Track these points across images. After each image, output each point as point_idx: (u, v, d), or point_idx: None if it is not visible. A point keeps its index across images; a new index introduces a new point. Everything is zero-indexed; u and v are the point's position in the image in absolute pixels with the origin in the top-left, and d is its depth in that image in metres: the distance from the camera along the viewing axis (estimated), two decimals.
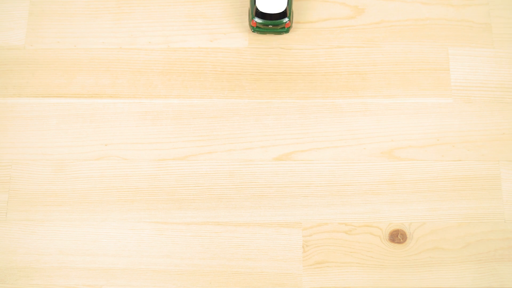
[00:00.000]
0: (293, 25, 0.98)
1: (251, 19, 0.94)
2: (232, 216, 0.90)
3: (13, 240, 0.89)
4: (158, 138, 0.93)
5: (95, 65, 0.96)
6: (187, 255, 0.88)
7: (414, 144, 0.92)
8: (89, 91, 0.95)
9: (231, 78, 0.95)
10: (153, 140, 0.93)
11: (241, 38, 0.97)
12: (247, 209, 0.90)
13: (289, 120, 0.93)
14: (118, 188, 0.91)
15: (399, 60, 0.96)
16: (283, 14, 0.93)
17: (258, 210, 0.90)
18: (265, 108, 0.94)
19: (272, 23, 0.93)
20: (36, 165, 0.92)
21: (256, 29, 0.95)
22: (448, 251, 0.88)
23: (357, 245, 0.88)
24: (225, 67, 0.96)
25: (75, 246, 0.89)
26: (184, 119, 0.93)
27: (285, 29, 0.95)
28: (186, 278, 0.87)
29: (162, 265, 0.88)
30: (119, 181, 0.91)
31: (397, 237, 0.89)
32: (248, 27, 0.97)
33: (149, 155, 0.92)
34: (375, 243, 0.89)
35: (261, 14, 0.93)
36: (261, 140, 0.92)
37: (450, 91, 0.94)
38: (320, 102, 0.94)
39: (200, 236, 0.89)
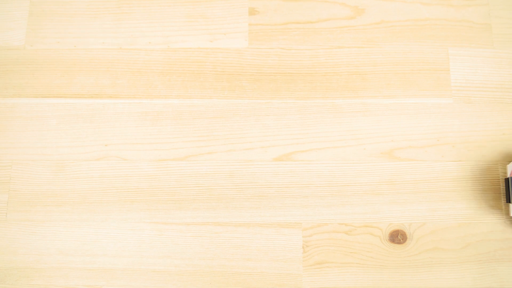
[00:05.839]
0: (293, 25, 0.98)
1: None
2: (232, 216, 0.89)
3: (13, 240, 0.89)
4: (158, 138, 0.93)
5: (95, 65, 0.96)
6: (187, 255, 0.88)
7: (414, 144, 0.92)
8: (89, 91, 0.95)
9: (231, 78, 0.95)
10: (153, 140, 0.93)
11: (241, 38, 0.97)
12: (247, 209, 0.90)
13: (289, 120, 0.93)
14: (118, 188, 0.91)
15: (399, 60, 0.96)
16: None
17: (258, 210, 0.90)
18: (265, 108, 0.94)
19: None
20: (36, 165, 0.92)
21: None
22: (448, 251, 0.88)
23: (357, 246, 0.88)
24: (225, 67, 0.95)
25: (75, 247, 0.89)
26: (184, 120, 0.93)
27: None
28: (186, 279, 0.87)
29: (162, 266, 0.88)
30: (119, 182, 0.91)
31: (397, 237, 0.89)
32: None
33: (149, 156, 0.92)
34: (375, 243, 0.89)
35: None
36: (261, 141, 0.92)
37: (450, 91, 0.94)
38: (320, 102, 0.94)
39: (200, 237, 0.89)
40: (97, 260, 0.88)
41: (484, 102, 0.94)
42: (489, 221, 0.89)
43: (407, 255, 0.88)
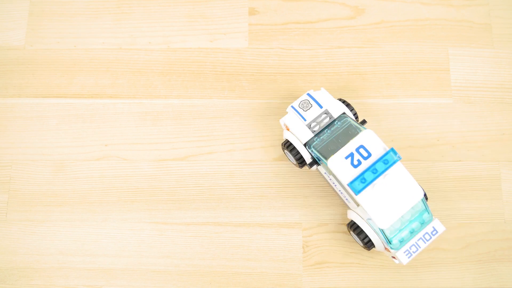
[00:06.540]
0: (293, 25, 0.98)
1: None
2: (232, 216, 0.89)
3: (13, 240, 0.89)
4: (158, 138, 0.93)
5: (95, 65, 0.96)
6: (187, 255, 0.88)
7: (414, 144, 0.92)
8: (89, 91, 0.95)
9: (231, 78, 0.95)
10: (153, 140, 0.93)
11: (241, 38, 0.97)
12: (247, 209, 0.90)
13: None
14: (118, 188, 0.91)
15: (399, 60, 0.96)
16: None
17: (258, 210, 0.90)
18: (265, 108, 0.94)
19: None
20: (36, 165, 0.92)
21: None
22: (448, 251, 0.88)
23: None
24: (225, 68, 0.95)
25: (75, 247, 0.89)
26: (184, 120, 0.93)
27: None
28: (186, 279, 0.87)
29: (162, 266, 0.88)
30: (119, 182, 0.91)
31: None
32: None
33: (149, 156, 0.92)
34: None
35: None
36: (261, 140, 0.92)
37: (450, 91, 0.94)
38: None
39: (200, 237, 0.89)
40: (97, 260, 0.88)
41: (484, 102, 0.94)
42: (489, 221, 0.89)
43: None
